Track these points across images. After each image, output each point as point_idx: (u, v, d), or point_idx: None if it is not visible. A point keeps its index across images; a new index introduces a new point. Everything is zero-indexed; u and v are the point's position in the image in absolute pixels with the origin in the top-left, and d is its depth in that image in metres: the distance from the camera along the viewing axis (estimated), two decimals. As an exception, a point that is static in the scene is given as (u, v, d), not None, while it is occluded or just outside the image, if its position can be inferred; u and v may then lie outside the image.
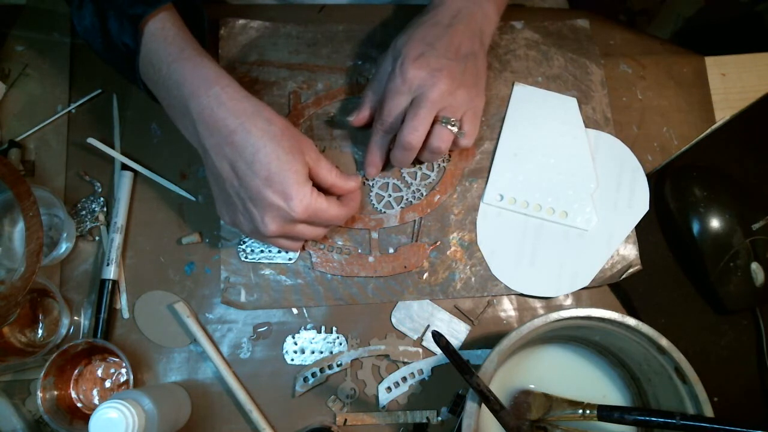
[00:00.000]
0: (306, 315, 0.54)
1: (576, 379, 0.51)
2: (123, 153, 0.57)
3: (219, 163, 0.46)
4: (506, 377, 0.49)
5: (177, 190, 0.56)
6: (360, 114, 0.54)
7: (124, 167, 0.56)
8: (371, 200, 0.56)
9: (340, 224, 0.53)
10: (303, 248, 0.55)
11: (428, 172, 0.57)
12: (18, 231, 0.52)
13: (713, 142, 0.59)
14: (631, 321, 0.44)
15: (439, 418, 0.52)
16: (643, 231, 0.56)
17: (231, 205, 0.48)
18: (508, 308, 0.55)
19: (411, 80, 0.49)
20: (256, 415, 0.51)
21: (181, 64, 0.45)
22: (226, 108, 0.44)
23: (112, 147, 0.56)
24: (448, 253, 0.55)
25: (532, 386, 0.49)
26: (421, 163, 0.57)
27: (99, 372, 0.53)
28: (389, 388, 0.53)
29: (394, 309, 0.54)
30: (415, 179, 0.57)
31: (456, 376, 0.44)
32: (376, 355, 0.54)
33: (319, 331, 0.54)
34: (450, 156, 0.57)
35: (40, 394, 0.48)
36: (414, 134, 0.50)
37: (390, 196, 0.56)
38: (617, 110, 0.60)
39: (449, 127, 0.50)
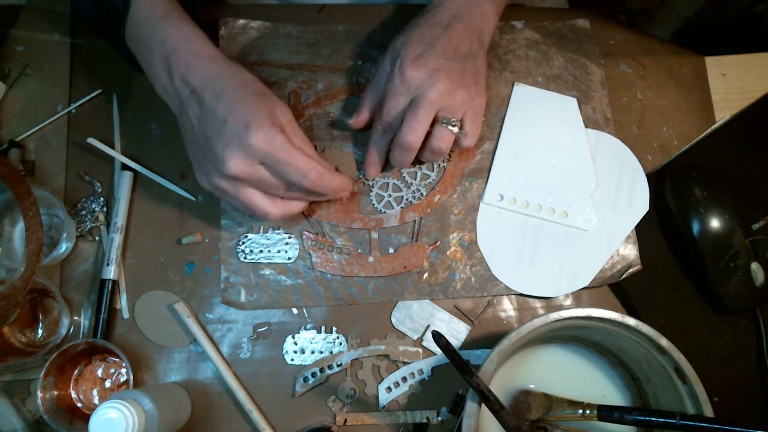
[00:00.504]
0: (306, 315, 0.54)
1: (576, 379, 0.51)
2: (123, 153, 0.57)
3: (191, 109, 0.46)
4: (506, 377, 0.49)
5: (177, 190, 0.56)
6: (359, 116, 0.54)
7: (124, 167, 0.56)
8: (371, 200, 0.56)
9: (309, 188, 0.47)
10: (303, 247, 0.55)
11: (428, 172, 0.57)
12: (18, 231, 0.52)
13: (713, 142, 0.59)
14: (631, 321, 0.44)
15: (439, 418, 0.52)
16: (643, 231, 0.56)
17: (201, 159, 0.47)
18: (508, 308, 0.55)
19: (409, 80, 0.49)
20: (256, 415, 0.51)
21: (166, 24, 0.47)
22: (204, 61, 0.47)
23: (112, 147, 0.56)
24: (448, 253, 0.55)
25: (532, 386, 0.49)
26: (421, 163, 0.57)
27: (99, 372, 0.53)
28: (389, 388, 0.53)
29: (394, 309, 0.54)
30: (415, 179, 0.57)
31: (456, 376, 0.44)
32: (376, 355, 0.54)
33: (319, 331, 0.54)
34: (450, 156, 0.57)
35: (40, 394, 0.48)
36: (412, 134, 0.49)
37: (390, 196, 0.56)
38: (617, 110, 0.60)
39: (449, 127, 0.50)
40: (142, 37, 0.48)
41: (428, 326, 0.54)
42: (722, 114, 0.60)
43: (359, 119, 0.54)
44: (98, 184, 0.56)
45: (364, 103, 0.54)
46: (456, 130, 0.51)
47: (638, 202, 0.57)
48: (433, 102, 0.49)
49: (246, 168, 0.45)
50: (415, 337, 0.54)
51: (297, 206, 0.50)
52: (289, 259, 0.54)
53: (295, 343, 0.54)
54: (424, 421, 0.52)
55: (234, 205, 0.50)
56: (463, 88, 0.50)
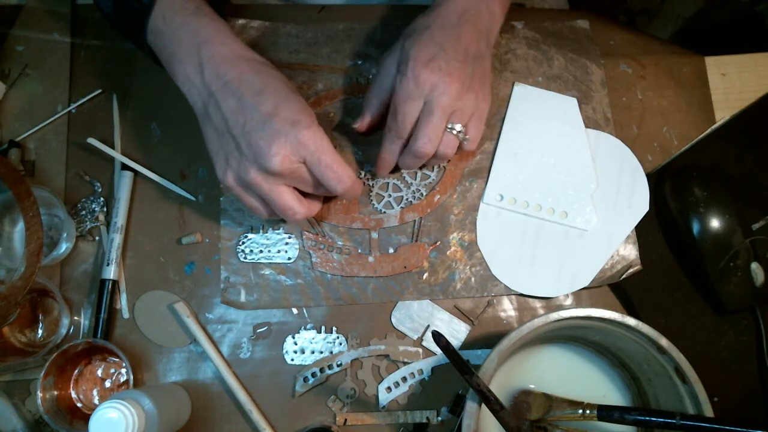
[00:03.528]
0: (306, 315, 0.54)
1: (576, 379, 0.51)
2: (123, 153, 0.57)
3: (224, 103, 0.46)
4: (506, 377, 0.49)
5: (177, 190, 0.56)
6: (364, 120, 0.53)
7: (124, 167, 0.56)
8: (371, 200, 0.56)
9: (337, 193, 0.48)
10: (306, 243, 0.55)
11: (428, 172, 0.57)
12: (18, 231, 0.52)
13: (713, 142, 0.59)
14: (631, 321, 0.44)
15: (439, 418, 0.52)
16: (643, 231, 0.56)
17: (231, 153, 0.47)
18: (508, 308, 0.55)
19: (423, 84, 0.48)
20: (256, 415, 0.51)
21: (198, 17, 0.47)
22: (238, 55, 0.47)
23: (112, 147, 0.56)
24: (448, 253, 0.55)
25: (532, 386, 0.49)
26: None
27: (99, 372, 0.53)
28: (389, 388, 0.53)
29: (394, 309, 0.54)
30: (415, 179, 0.57)
31: (456, 376, 0.44)
32: (376, 355, 0.54)
33: (319, 331, 0.54)
34: (450, 156, 0.57)
35: (40, 394, 0.48)
36: (429, 145, 0.49)
37: (390, 196, 0.56)
38: (617, 110, 0.60)
39: (455, 132, 0.50)
40: (169, 29, 0.47)
41: (428, 326, 0.54)
42: (722, 114, 0.60)
43: (363, 123, 0.54)
44: (98, 184, 0.56)
45: (368, 106, 0.53)
46: (462, 136, 0.50)
47: (638, 202, 0.57)
48: (447, 108, 0.48)
49: (290, 165, 0.45)
50: (415, 337, 0.54)
51: (318, 206, 0.52)
52: (289, 259, 0.54)
53: (295, 343, 0.54)
54: (424, 421, 0.52)
55: (254, 206, 0.49)
56: (472, 93, 0.49)
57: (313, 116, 0.47)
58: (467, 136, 0.51)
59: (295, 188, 0.49)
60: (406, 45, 0.50)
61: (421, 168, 0.57)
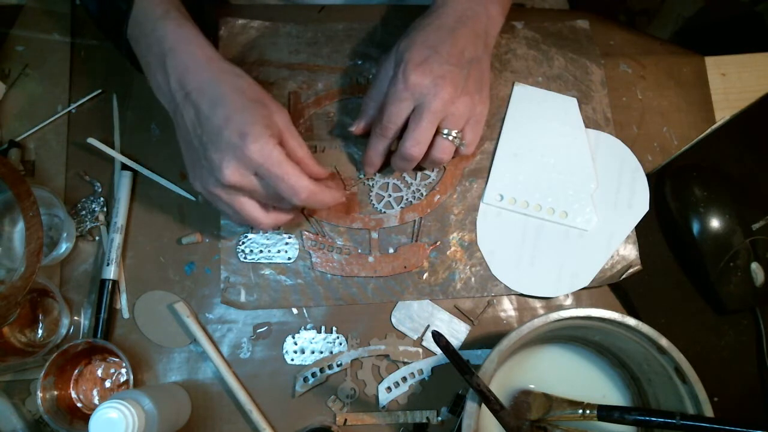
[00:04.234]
0: (306, 315, 0.54)
1: (576, 379, 0.51)
2: (123, 153, 0.57)
3: (186, 113, 0.46)
4: (506, 377, 0.49)
5: (177, 190, 0.56)
6: (361, 123, 0.53)
7: (124, 167, 0.56)
8: (371, 200, 0.56)
9: (298, 203, 0.47)
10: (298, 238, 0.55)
11: (428, 172, 0.57)
12: (18, 231, 0.52)
13: (713, 142, 0.59)
14: (631, 321, 0.44)
15: (439, 418, 0.52)
16: (643, 231, 0.56)
17: (196, 162, 0.47)
18: (508, 308, 0.55)
19: (413, 87, 0.47)
20: (256, 415, 0.51)
21: (165, 23, 0.47)
22: (201, 64, 0.46)
23: (112, 147, 0.56)
24: (448, 253, 0.55)
25: (532, 386, 0.49)
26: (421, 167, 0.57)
27: (99, 372, 0.53)
28: (389, 388, 0.53)
29: (394, 309, 0.54)
30: (415, 179, 0.57)
31: (456, 376, 0.44)
32: (376, 355, 0.54)
33: (319, 331, 0.54)
34: (450, 156, 0.57)
35: (40, 394, 0.48)
36: (416, 148, 0.49)
37: (390, 196, 0.56)
38: (617, 110, 0.60)
39: (450, 138, 0.50)
40: (141, 36, 0.48)
41: (428, 326, 0.54)
42: (722, 114, 0.60)
43: (360, 126, 0.54)
44: (98, 184, 0.56)
45: (365, 110, 0.53)
46: (457, 142, 0.50)
47: (638, 202, 0.57)
48: (437, 112, 0.48)
49: (241, 178, 0.45)
50: (415, 337, 0.54)
51: (289, 215, 0.51)
52: (289, 259, 0.54)
53: (295, 343, 0.54)
54: (424, 421, 0.52)
55: (226, 212, 0.50)
56: (467, 96, 0.49)
57: (267, 124, 0.45)
58: (464, 141, 0.51)
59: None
60: (401, 47, 0.50)
61: (420, 169, 0.57)
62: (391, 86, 0.49)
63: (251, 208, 0.48)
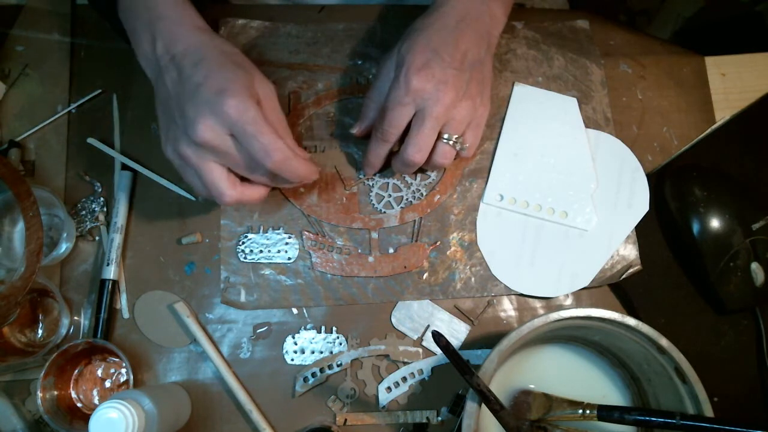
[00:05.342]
0: (306, 315, 0.54)
1: (576, 379, 0.51)
2: (123, 153, 0.57)
3: (168, 76, 0.45)
4: (506, 377, 0.49)
5: (177, 190, 0.56)
6: (362, 125, 0.53)
7: (124, 167, 0.56)
8: (371, 200, 0.56)
9: (269, 167, 0.44)
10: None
11: (428, 173, 0.57)
12: (18, 231, 0.52)
13: (713, 142, 0.59)
14: (631, 321, 0.44)
15: (439, 418, 0.52)
16: (643, 231, 0.56)
17: (171, 124, 0.46)
18: (508, 308, 0.55)
19: (415, 92, 0.47)
20: (256, 415, 0.51)
21: None
22: (190, 30, 0.46)
23: (112, 147, 0.56)
24: (448, 253, 0.55)
25: (532, 386, 0.49)
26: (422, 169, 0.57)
27: (99, 372, 0.53)
28: (389, 388, 0.53)
29: (394, 309, 0.54)
30: (415, 179, 0.57)
31: (456, 376, 0.44)
32: (376, 355, 0.54)
33: (319, 331, 0.54)
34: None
35: (40, 394, 0.48)
36: (419, 154, 0.49)
37: (390, 196, 0.56)
38: (617, 110, 0.60)
39: (451, 142, 0.49)
40: (131, 5, 0.48)
41: (428, 326, 0.54)
42: (722, 114, 0.60)
43: (362, 128, 0.53)
44: (98, 184, 0.56)
45: (366, 112, 0.53)
46: (458, 146, 0.50)
47: (638, 202, 0.57)
48: (439, 118, 0.47)
49: (215, 136, 0.43)
50: (415, 337, 0.54)
51: (256, 193, 0.48)
52: (289, 259, 0.54)
53: (295, 343, 0.54)
54: (424, 421, 0.52)
55: (193, 182, 0.47)
56: (468, 100, 0.48)
57: (247, 85, 0.44)
58: (465, 145, 0.51)
59: (233, 172, 0.46)
60: (403, 49, 0.49)
61: (420, 170, 0.57)
62: (392, 90, 0.48)
63: (218, 175, 0.45)
